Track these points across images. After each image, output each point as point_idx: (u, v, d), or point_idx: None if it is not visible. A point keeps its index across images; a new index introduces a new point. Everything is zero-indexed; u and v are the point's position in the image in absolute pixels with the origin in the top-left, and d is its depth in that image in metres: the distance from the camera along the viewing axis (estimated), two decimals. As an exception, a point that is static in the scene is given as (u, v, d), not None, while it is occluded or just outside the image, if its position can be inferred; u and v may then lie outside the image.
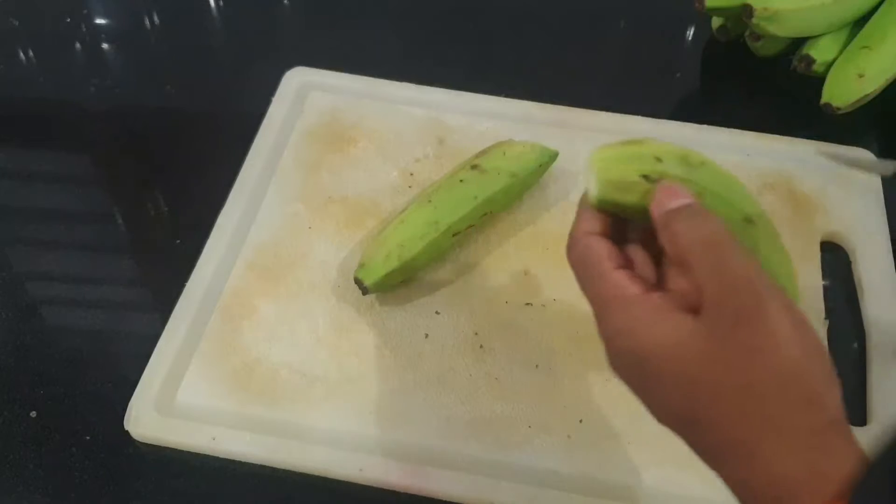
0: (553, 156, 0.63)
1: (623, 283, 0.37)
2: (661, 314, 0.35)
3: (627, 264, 0.38)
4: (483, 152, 0.61)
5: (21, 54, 0.76)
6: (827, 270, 0.60)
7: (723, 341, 0.33)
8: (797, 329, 0.34)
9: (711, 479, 0.51)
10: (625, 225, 0.40)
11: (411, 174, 0.65)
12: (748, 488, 0.33)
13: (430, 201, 0.58)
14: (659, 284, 0.38)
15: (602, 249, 0.38)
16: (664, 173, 0.38)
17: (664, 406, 0.36)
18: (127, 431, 0.52)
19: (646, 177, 0.38)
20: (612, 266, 0.37)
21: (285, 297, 0.58)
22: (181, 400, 0.53)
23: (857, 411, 0.54)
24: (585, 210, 0.40)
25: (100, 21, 0.79)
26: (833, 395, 0.33)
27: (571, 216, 0.62)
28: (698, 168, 0.39)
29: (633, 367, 0.36)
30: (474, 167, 0.60)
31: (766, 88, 0.73)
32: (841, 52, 0.70)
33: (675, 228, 0.36)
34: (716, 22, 0.75)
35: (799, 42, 0.71)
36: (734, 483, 0.34)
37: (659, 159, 0.38)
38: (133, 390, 0.53)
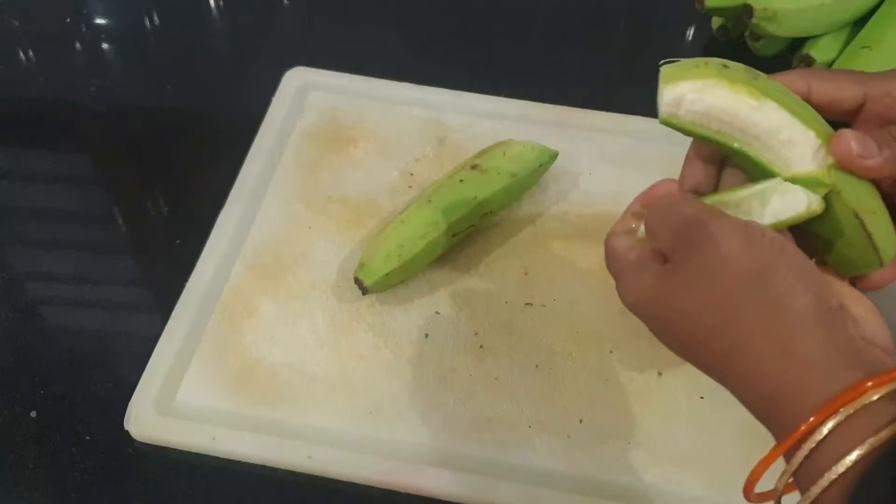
0: (553, 156, 0.63)
1: (623, 251, 0.43)
2: (637, 270, 0.41)
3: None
4: (483, 152, 0.61)
5: (21, 54, 0.76)
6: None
7: (684, 273, 0.37)
8: (748, 244, 0.36)
9: (711, 479, 0.51)
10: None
11: (411, 174, 0.65)
12: (748, 393, 0.36)
13: (430, 201, 0.58)
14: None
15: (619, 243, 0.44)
16: (733, 76, 0.39)
17: (669, 344, 0.39)
18: (127, 431, 0.52)
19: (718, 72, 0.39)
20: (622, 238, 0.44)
21: (285, 297, 0.58)
22: (181, 400, 0.53)
23: None
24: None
25: (100, 21, 0.79)
26: (798, 296, 0.35)
27: (571, 216, 0.62)
28: (763, 79, 0.40)
29: (641, 317, 0.40)
30: (474, 167, 0.60)
31: (766, 88, 0.73)
32: (841, 52, 0.70)
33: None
34: (716, 22, 0.75)
35: (799, 42, 0.71)
36: (739, 393, 0.37)
37: (725, 66, 0.40)
38: (133, 390, 0.53)
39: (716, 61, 0.40)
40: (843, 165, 0.38)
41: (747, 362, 0.35)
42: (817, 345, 0.34)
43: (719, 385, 0.49)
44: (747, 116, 0.39)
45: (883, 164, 0.38)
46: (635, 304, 0.40)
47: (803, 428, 0.33)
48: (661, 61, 0.40)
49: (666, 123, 0.41)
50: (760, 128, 0.39)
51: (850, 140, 0.38)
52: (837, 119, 0.40)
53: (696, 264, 0.37)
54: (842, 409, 0.32)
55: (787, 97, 0.39)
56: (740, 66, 0.40)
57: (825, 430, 0.32)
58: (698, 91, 0.39)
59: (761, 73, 0.40)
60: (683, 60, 0.40)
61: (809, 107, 0.40)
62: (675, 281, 0.38)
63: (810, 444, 0.33)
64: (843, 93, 0.40)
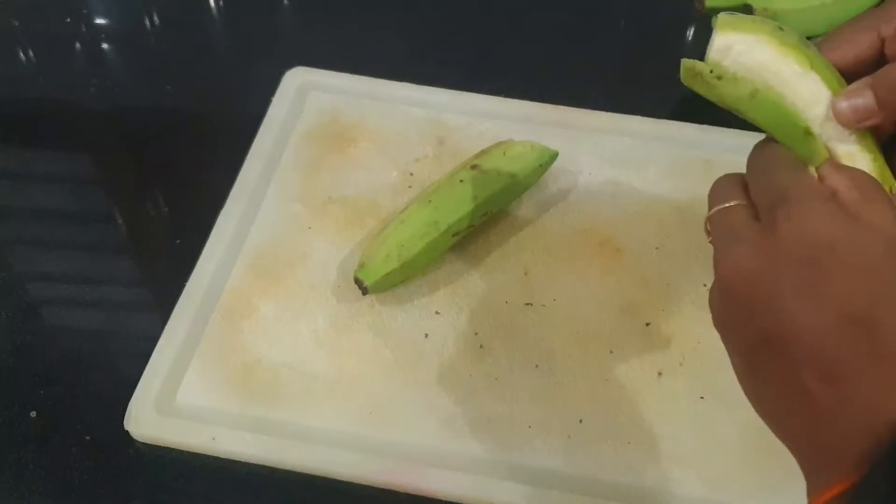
0: (553, 156, 0.63)
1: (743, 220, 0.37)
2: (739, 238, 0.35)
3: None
4: (483, 152, 0.61)
5: (21, 54, 0.76)
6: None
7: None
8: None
9: (711, 479, 0.51)
10: None
11: (411, 174, 0.65)
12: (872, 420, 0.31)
13: (430, 201, 0.58)
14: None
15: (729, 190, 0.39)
16: (785, 39, 0.39)
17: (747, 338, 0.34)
18: (127, 431, 0.52)
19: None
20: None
21: (285, 297, 0.58)
22: (181, 400, 0.53)
23: None
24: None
25: (100, 21, 0.79)
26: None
27: (571, 216, 0.62)
28: (813, 51, 0.39)
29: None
30: (474, 167, 0.60)
31: (766, 88, 0.73)
32: (841, 52, 0.70)
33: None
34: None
35: (799, 42, 0.71)
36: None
37: (780, 28, 0.39)
38: (133, 390, 0.53)
39: (771, 22, 0.40)
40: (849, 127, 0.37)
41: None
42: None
43: (719, 385, 0.48)
44: (789, 80, 0.39)
45: (883, 119, 0.36)
46: (726, 283, 0.34)
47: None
48: (721, 13, 0.40)
49: (699, 75, 0.39)
50: (799, 95, 0.39)
51: (845, 106, 0.37)
52: (871, 72, 0.39)
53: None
54: None
55: (831, 73, 0.39)
56: (794, 32, 0.40)
57: None
58: (749, 44, 0.39)
59: (812, 45, 0.40)
60: (741, 14, 0.40)
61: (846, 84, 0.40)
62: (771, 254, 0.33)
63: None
64: (859, 46, 0.38)
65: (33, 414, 0.54)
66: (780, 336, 0.32)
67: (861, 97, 0.36)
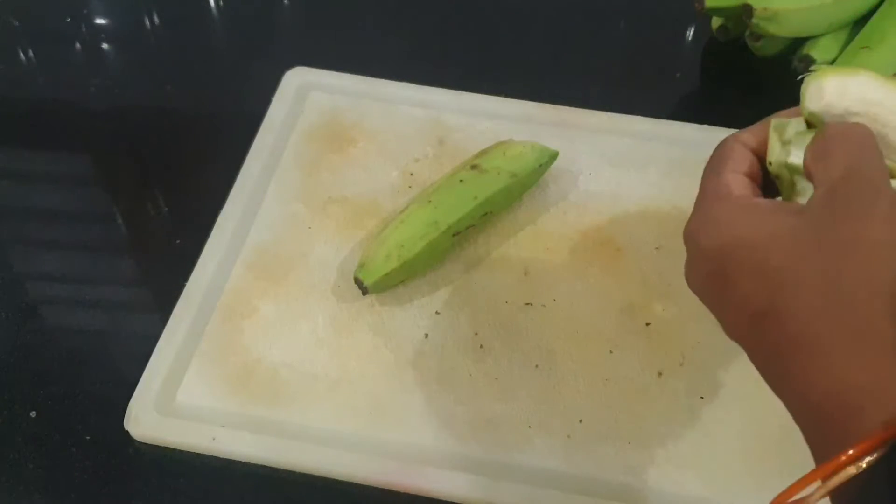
0: (553, 156, 0.63)
1: (731, 184, 0.37)
2: (759, 213, 0.35)
3: (755, 177, 0.39)
4: (483, 152, 0.61)
5: (21, 54, 0.76)
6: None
7: (821, 231, 0.32)
8: None
9: (711, 479, 0.51)
10: None
11: (411, 174, 0.65)
12: (808, 395, 0.31)
13: (430, 201, 0.58)
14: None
15: (733, 153, 0.39)
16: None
17: (738, 304, 0.34)
18: (127, 431, 0.53)
19: None
20: (731, 168, 0.38)
21: (285, 297, 0.58)
22: (181, 400, 0.53)
23: None
24: (759, 126, 0.40)
25: (100, 21, 0.79)
26: None
27: (571, 216, 0.62)
28: None
29: (714, 263, 0.36)
30: (474, 167, 0.60)
31: (766, 88, 0.73)
32: (841, 52, 0.70)
33: (826, 125, 0.36)
34: (716, 22, 0.75)
35: (799, 42, 0.71)
36: (793, 391, 0.32)
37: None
38: (133, 390, 0.53)
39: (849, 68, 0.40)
40: None
41: (837, 359, 0.30)
42: None
43: (719, 385, 0.48)
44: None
45: None
46: (727, 243, 0.35)
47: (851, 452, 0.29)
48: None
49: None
50: None
51: None
52: None
53: (845, 231, 0.32)
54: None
55: None
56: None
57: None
58: (856, 85, 0.39)
59: None
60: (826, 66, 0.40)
61: None
62: (809, 236, 0.32)
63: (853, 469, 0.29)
64: None
65: (33, 414, 0.54)
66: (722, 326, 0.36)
67: None
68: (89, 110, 0.72)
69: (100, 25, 0.79)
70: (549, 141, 0.63)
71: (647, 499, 0.50)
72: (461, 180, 0.59)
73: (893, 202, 0.32)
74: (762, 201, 0.36)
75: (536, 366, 0.55)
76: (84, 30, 0.78)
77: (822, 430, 0.31)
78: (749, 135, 0.40)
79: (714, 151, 0.40)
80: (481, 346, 0.56)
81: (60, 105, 0.73)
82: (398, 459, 0.51)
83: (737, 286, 0.34)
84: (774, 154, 0.39)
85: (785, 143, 0.39)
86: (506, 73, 0.73)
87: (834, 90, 0.38)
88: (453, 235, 0.58)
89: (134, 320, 0.60)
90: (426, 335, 0.56)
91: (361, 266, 0.56)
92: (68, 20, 0.78)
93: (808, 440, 0.32)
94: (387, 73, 0.71)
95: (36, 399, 0.55)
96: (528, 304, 0.58)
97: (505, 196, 0.60)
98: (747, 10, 0.67)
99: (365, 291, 0.56)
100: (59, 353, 0.58)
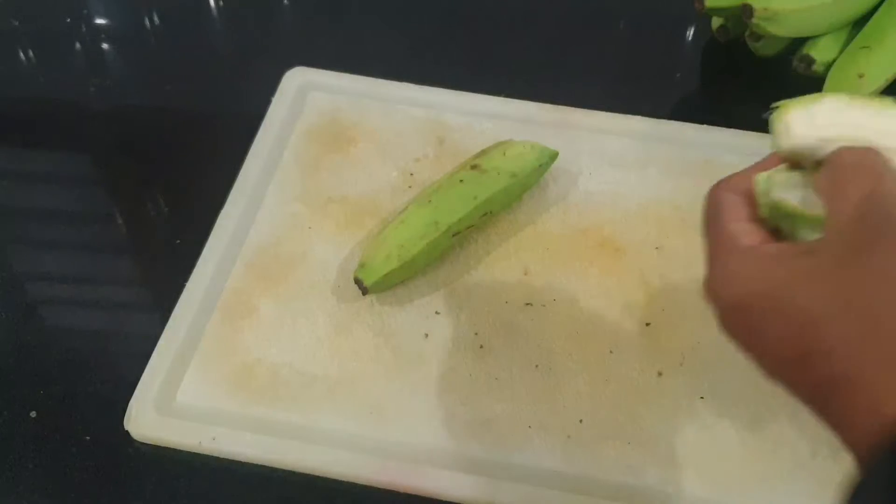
0: (553, 156, 0.63)
1: (736, 235, 0.37)
2: (771, 260, 0.35)
3: (756, 220, 0.38)
4: (483, 152, 0.61)
5: (21, 54, 0.76)
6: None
7: (844, 265, 0.32)
8: None
9: (711, 479, 0.51)
10: None
11: (411, 174, 0.65)
12: (852, 430, 0.31)
13: (430, 201, 0.58)
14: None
15: (727, 202, 0.38)
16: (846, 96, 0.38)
17: (773, 350, 0.34)
18: (127, 431, 0.52)
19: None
20: (732, 218, 0.38)
21: (285, 297, 0.58)
22: (181, 400, 0.53)
23: None
24: (741, 175, 0.40)
25: (100, 21, 0.79)
26: None
27: (571, 216, 0.62)
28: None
29: (740, 314, 0.35)
30: (474, 167, 0.60)
31: (766, 88, 0.73)
32: (841, 52, 0.70)
33: (836, 155, 0.36)
34: (716, 22, 0.75)
35: (799, 42, 0.71)
36: (837, 424, 0.32)
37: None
38: (133, 390, 0.53)
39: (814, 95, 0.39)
40: None
41: (877, 393, 0.30)
42: None
43: (719, 385, 0.48)
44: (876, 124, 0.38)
45: None
46: (749, 295, 0.35)
47: None
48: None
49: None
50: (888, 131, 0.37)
51: None
52: None
53: (870, 263, 0.31)
54: None
55: None
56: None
57: None
58: (827, 112, 0.38)
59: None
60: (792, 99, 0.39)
61: None
62: (831, 274, 0.32)
63: None
64: None
65: (33, 414, 0.54)
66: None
67: None
68: (89, 110, 0.72)
69: (100, 25, 0.79)
70: (549, 141, 0.63)
71: (647, 499, 0.50)
72: (461, 180, 0.59)
73: None
74: (772, 247, 0.36)
75: (536, 366, 0.55)
76: (84, 30, 0.78)
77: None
78: (736, 180, 0.40)
79: (705, 204, 0.40)
80: (481, 346, 0.56)
81: (60, 105, 0.73)
82: (398, 459, 0.51)
83: (766, 334, 0.34)
84: (767, 209, 0.38)
85: (773, 193, 0.38)
86: (506, 73, 0.73)
87: (801, 123, 0.38)
88: (453, 235, 0.58)
89: (134, 320, 0.60)
90: (426, 335, 0.56)
91: (361, 266, 0.56)
92: (68, 20, 0.78)
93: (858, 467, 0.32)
94: (387, 72, 0.71)
95: (36, 399, 0.55)
96: (528, 304, 0.58)
97: (505, 196, 0.60)
98: (747, 10, 0.67)
99: (365, 291, 0.56)
100: (59, 353, 0.58)
